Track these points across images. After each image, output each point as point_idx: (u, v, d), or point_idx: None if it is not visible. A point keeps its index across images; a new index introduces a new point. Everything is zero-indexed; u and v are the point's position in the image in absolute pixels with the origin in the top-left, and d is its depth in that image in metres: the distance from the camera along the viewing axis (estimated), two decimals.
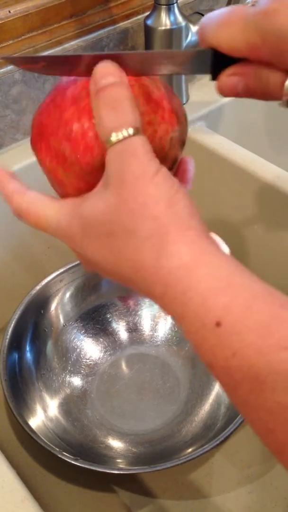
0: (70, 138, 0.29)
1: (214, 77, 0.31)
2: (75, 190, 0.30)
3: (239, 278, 0.25)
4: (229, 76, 0.30)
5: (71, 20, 0.58)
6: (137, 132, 0.27)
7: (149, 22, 0.59)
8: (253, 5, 0.29)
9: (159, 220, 0.27)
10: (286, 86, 0.29)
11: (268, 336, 0.23)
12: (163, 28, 0.58)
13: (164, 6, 0.58)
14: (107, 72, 0.28)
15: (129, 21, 0.62)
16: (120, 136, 0.27)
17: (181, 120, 0.32)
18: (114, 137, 0.27)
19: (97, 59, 0.29)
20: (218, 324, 0.24)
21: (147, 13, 0.60)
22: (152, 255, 0.27)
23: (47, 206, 0.31)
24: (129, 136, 0.27)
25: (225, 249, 0.28)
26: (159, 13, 0.58)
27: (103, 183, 0.28)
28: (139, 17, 0.62)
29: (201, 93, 0.67)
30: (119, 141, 0.27)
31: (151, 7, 0.59)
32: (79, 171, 0.30)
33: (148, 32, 0.59)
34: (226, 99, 0.66)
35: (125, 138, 0.27)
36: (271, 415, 0.23)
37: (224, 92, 0.31)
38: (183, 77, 0.64)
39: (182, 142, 0.32)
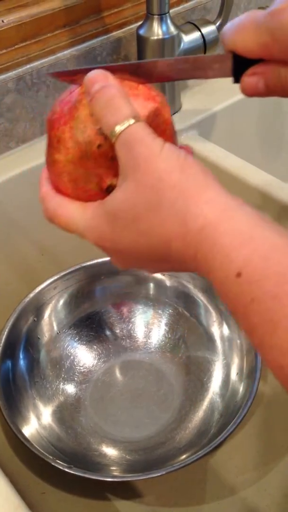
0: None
1: (237, 80, 0.34)
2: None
3: (260, 231, 0.27)
4: (249, 76, 0.33)
5: (64, 29, 0.59)
6: (136, 120, 0.30)
7: (141, 31, 0.59)
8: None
9: (178, 187, 0.29)
10: None
11: (284, 284, 0.25)
12: (156, 37, 0.59)
13: (157, 16, 0.58)
14: (94, 80, 0.31)
15: (122, 30, 0.63)
16: (123, 127, 0.29)
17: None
18: (117, 129, 0.29)
19: (123, 67, 0.32)
20: (238, 274, 0.26)
21: (139, 23, 0.61)
22: (179, 222, 0.28)
23: (73, 210, 0.32)
24: (130, 125, 0.29)
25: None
26: (152, 23, 0.59)
27: (121, 177, 0.30)
28: (131, 26, 0.63)
29: (193, 101, 0.67)
30: (121, 132, 0.29)
31: (143, 17, 0.60)
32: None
33: (141, 41, 0.60)
34: (218, 107, 0.67)
35: (127, 128, 0.29)
36: (283, 352, 0.25)
37: (246, 91, 0.34)
38: (176, 85, 0.65)
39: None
